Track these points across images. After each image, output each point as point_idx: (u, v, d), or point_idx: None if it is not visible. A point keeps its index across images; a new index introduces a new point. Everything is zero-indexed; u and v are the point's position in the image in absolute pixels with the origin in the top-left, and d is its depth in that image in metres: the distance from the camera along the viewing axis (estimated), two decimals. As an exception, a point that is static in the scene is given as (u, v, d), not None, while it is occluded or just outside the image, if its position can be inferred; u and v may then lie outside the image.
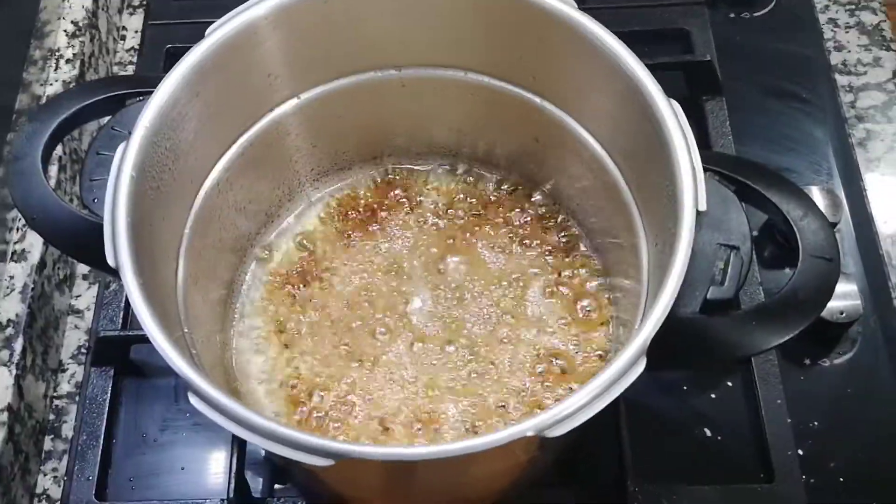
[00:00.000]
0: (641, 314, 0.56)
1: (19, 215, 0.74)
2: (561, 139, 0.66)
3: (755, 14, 0.90)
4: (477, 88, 0.68)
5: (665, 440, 0.69)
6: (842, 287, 0.71)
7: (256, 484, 0.67)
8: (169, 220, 0.60)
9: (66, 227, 0.60)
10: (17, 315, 0.71)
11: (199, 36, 0.59)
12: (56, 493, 0.70)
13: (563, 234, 0.72)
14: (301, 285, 0.70)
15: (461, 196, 0.74)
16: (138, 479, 0.69)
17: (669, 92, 0.55)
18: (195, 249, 0.62)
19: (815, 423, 0.69)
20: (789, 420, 0.68)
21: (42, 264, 0.74)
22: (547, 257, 0.71)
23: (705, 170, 0.53)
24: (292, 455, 0.46)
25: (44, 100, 0.82)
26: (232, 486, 0.64)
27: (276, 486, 0.68)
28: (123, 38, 0.93)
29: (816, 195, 0.75)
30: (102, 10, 0.90)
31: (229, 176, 0.65)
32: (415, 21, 0.64)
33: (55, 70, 0.84)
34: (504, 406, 0.64)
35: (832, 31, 0.88)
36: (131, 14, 0.94)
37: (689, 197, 0.52)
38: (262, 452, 0.67)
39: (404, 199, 0.74)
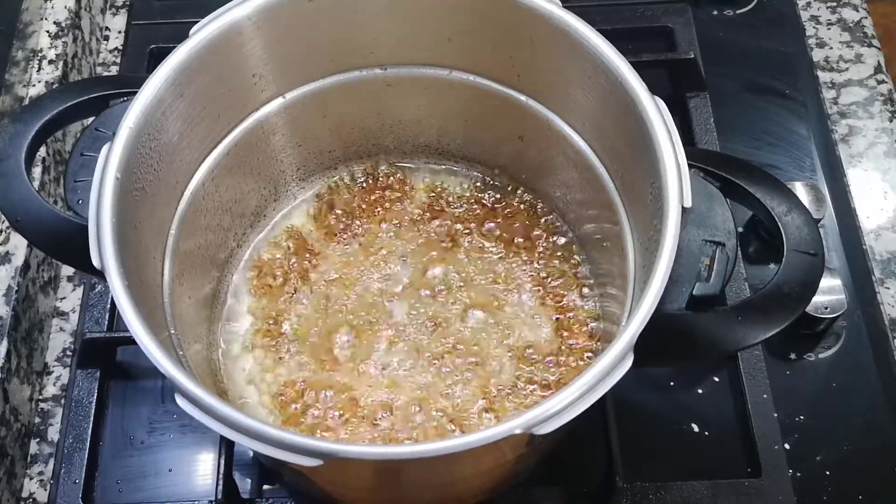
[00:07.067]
0: (628, 311, 0.56)
1: (2, 217, 0.74)
2: (546, 137, 0.66)
3: (738, 11, 0.90)
4: (462, 87, 0.68)
5: (652, 436, 0.69)
6: (826, 282, 0.71)
7: (245, 485, 0.67)
8: (154, 220, 0.59)
9: (51, 228, 0.59)
10: (1, 318, 0.71)
11: (183, 36, 0.58)
12: (42, 496, 0.69)
13: (548, 231, 0.72)
14: (288, 284, 0.70)
15: (447, 194, 0.74)
16: (125, 481, 0.68)
17: (653, 89, 0.55)
18: (181, 250, 0.62)
19: (801, 417, 0.69)
20: (775, 414, 0.68)
21: (26, 266, 0.74)
22: (533, 255, 0.71)
23: (690, 166, 0.53)
24: (280, 455, 0.46)
25: (27, 101, 0.82)
26: (220, 487, 0.64)
27: (265, 486, 0.68)
28: (107, 38, 0.92)
29: (800, 191, 0.76)
30: (85, 10, 0.89)
31: (215, 176, 0.65)
32: (399, 20, 0.64)
33: (38, 71, 0.84)
34: (492, 404, 0.65)
35: (814, 27, 0.88)
36: (114, 14, 0.94)
37: (675, 194, 0.52)
38: (251, 453, 0.67)
39: (390, 198, 0.74)
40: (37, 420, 0.72)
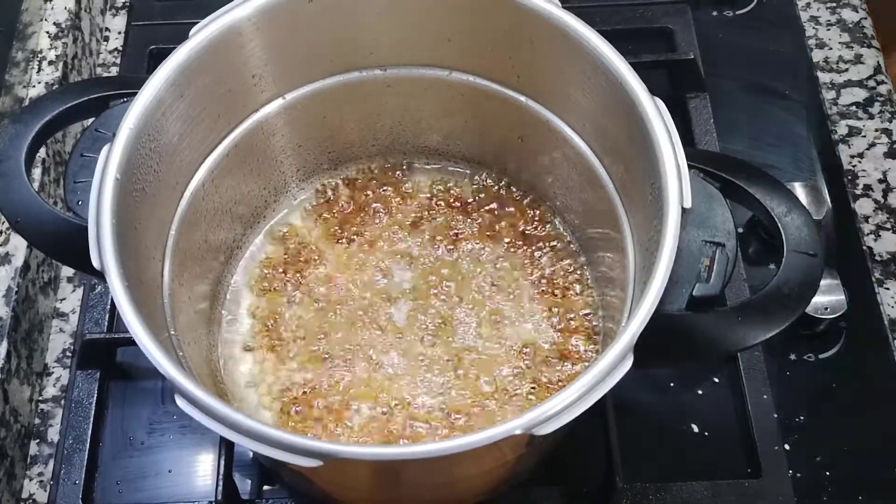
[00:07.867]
0: (628, 312, 0.56)
1: (2, 218, 0.74)
2: (546, 138, 0.66)
3: (738, 12, 0.90)
4: (461, 88, 0.68)
5: (652, 436, 0.69)
6: (826, 282, 0.71)
7: (245, 485, 0.67)
8: (154, 221, 0.59)
9: (51, 229, 0.59)
10: (1, 319, 0.71)
11: (183, 37, 0.59)
12: (42, 497, 0.69)
13: (548, 231, 0.72)
14: (288, 285, 0.70)
15: (447, 195, 0.74)
16: (125, 482, 0.68)
17: (653, 90, 0.55)
18: (181, 251, 0.62)
19: (801, 418, 0.69)
20: (775, 415, 0.68)
21: (26, 267, 0.74)
22: (532, 256, 0.71)
23: (690, 167, 0.53)
24: (280, 456, 0.46)
25: (26, 102, 0.82)
26: (220, 488, 0.64)
27: (265, 487, 0.68)
28: (107, 39, 0.92)
29: (800, 191, 0.76)
30: (85, 11, 0.89)
31: (215, 177, 0.65)
32: (399, 21, 0.64)
33: (38, 72, 0.84)
34: (491, 405, 0.65)
35: (814, 28, 0.88)
36: (114, 15, 0.94)
37: (675, 194, 0.52)
38: (251, 454, 0.67)
39: (390, 198, 0.74)
40: (37, 421, 0.72)
